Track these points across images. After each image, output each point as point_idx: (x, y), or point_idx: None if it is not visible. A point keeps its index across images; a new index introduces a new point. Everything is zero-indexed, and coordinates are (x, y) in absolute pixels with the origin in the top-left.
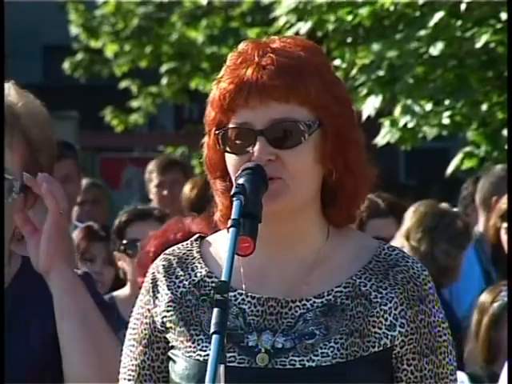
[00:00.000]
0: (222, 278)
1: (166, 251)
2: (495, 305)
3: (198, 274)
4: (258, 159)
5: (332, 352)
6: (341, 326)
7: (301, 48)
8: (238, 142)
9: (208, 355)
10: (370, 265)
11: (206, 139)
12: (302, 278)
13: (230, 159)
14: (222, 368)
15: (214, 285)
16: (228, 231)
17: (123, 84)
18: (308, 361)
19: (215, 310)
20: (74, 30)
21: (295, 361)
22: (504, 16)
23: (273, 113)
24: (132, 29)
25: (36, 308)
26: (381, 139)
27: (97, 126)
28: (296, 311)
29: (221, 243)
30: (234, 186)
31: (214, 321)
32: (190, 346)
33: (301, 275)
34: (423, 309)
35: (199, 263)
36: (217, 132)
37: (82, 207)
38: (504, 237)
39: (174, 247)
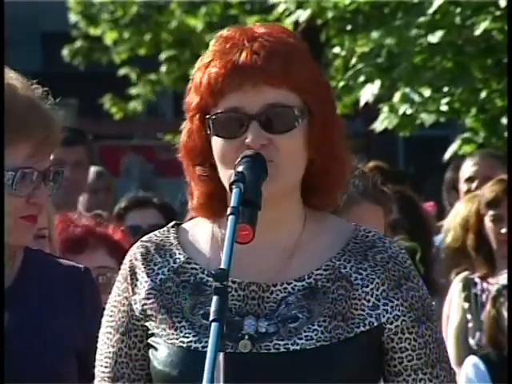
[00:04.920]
0: (222, 266)
1: (143, 238)
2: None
3: (177, 261)
4: (252, 144)
5: (316, 335)
6: (323, 309)
7: (286, 35)
8: (228, 126)
9: (191, 342)
10: (348, 247)
11: (186, 125)
12: (282, 262)
13: (219, 144)
14: (221, 356)
15: (194, 271)
16: (227, 219)
17: (122, 71)
18: (292, 344)
19: (214, 298)
20: (73, 17)
21: (279, 345)
22: (503, 3)
23: (265, 97)
24: (131, 16)
25: (42, 303)
26: (379, 125)
27: (96, 114)
28: (277, 295)
29: (198, 230)
30: (234, 173)
31: (213, 308)
32: (173, 333)
33: (281, 260)
34: (411, 285)
35: (177, 249)
36: (207, 117)
37: (94, 195)
38: (489, 224)
39: (151, 234)
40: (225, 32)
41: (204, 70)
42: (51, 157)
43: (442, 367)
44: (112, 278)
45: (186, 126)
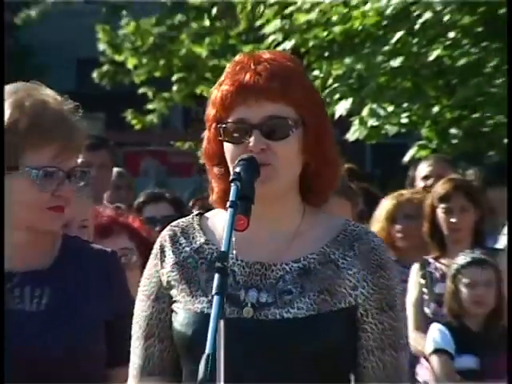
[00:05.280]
0: (222, 249)
1: (172, 223)
2: None
3: (198, 242)
4: (253, 148)
5: (306, 306)
6: (314, 286)
7: (287, 59)
8: (236, 134)
9: (204, 308)
10: (338, 238)
11: (206, 133)
12: (282, 247)
13: (229, 148)
14: (222, 322)
15: (211, 251)
16: (226, 210)
17: (141, 90)
18: (286, 313)
19: (216, 276)
20: (102, 46)
21: (276, 313)
22: (452, 35)
23: (265, 110)
24: (148, 45)
25: (80, 286)
26: (351, 135)
27: (120, 125)
28: (277, 273)
29: (216, 218)
30: (232, 173)
31: (215, 284)
32: (190, 301)
33: (282, 245)
34: (383, 274)
35: (198, 233)
36: (219, 126)
37: (117, 191)
38: (441, 215)
39: (178, 221)
40: (237, 57)
41: (219, 88)
42: (78, 159)
43: (392, 354)
44: (131, 258)
45: (205, 134)
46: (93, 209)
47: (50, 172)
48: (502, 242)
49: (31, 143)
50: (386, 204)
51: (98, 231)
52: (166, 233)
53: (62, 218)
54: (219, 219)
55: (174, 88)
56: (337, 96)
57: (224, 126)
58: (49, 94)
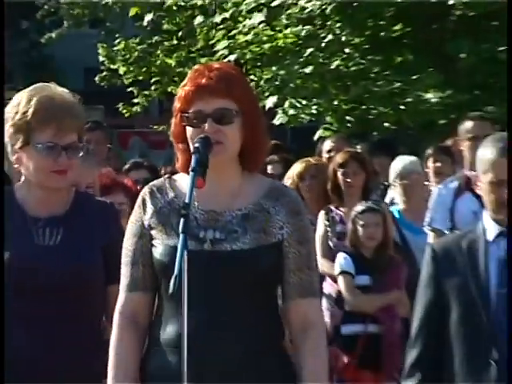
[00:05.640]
0: (186, 201)
1: (150, 183)
2: None
3: (169, 196)
4: (208, 130)
5: (248, 241)
6: (253, 227)
7: (231, 68)
8: (195, 120)
9: (176, 243)
10: (268, 193)
11: (173, 120)
12: (229, 199)
13: (190, 131)
14: (185, 253)
15: (178, 202)
16: (188, 174)
17: (129, 89)
18: (234, 246)
19: (181, 220)
20: (101, 58)
21: (227, 246)
22: (347, 50)
23: (216, 104)
24: (134, 57)
25: (85, 227)
26: (276, 121)
27: (114, 114)
28: (227, 218)
29: (181, 180)
30: (192, 148)
31: (181, 226)
32: (165, 238)
33: (229, 198)
34: (299, 218)
35: (169, 190)
36: (182, 115)
37: (109, 161)
38: (340, 177)
39: (154, 181)
40: (196, 67)
41: (182, 89)
42: (75, 137)
43: (307, 273)
44: (126, 209)
45: (173, 121)
46: (98, 173)
47: (50, 146)
48: (387, 198)
49: (37, 126)
50: (296, 166)
51: (101, 190)
52: (146, 190)
53: (65, 179)
54: (183, 180)
55: (152, 88)
56: (266, 94)
57: (186, 115)
58: (58, 90)
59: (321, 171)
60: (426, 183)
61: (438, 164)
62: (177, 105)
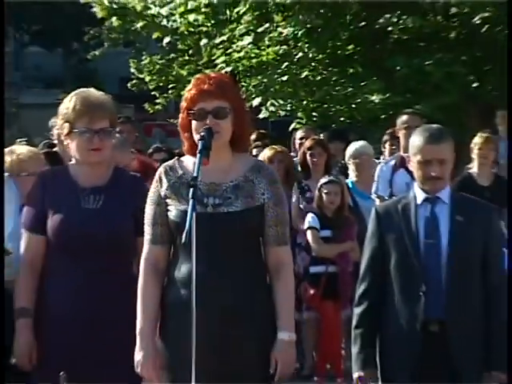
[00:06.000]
0: (194, 175)
1: (164, 164)
2: None
3: (179, 173)
4: (209, 124)
5: (240, 204)
6: (242, 194)
7: (226, 77)
8: (198, 116)
9: (186, 209)
10: (252, 168)
11: (181, 115)
12: (224, 173)
13: (194, 124)
14: (194, 214)
15: (186, 177)
16: (194, 157)
17: (153, 92)
18: (229, 208)
19: (191, 189)
20: (132, 69)
21: (224, 209)
22: (313, 64)
23: (214, 104)
24: (156, 69)
25: (121, 195)
26: (261, 115)
27: (142, 111)
28: (222, 188)
29: (187, 161)
30: (199, 136)
31: (190, 194)
32: (178, 204)
33: (223, 173)
34: (276, 185)
35: (179, 168)
36: (189, 112)
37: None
38: (308, 157)
39: (168, 162)
40: (198, 76)
41: (189, 92)
42: (106, 123)
43: (282, 227)
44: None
45: (180, 116)
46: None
47: (85, 130)
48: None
49: (76, 117)
50: (266, 152)
51: (138, 171)
52: (161, 169)
53: (99, 155)
54: (189, 161)
55: (170, 92)
56: (253, 96)
57: (192, 112)
58: (93, 92)
59: (285, 157)
60: (377, 161)
61: (393, 147)
62: (184, 104)
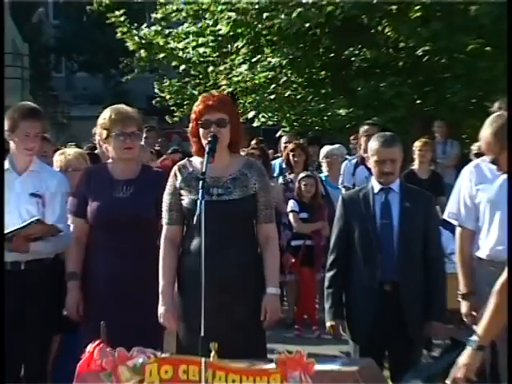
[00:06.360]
0: (203, 171)
1: (178, 163)
2: None
3: (190, 170)
4: (214, 131)
5: (237, 193)
6: (239, 185)
7: (225, 96)
8: (205, 125)
9: (196, 197)
10: (245, 164)
11: (190, 125)
12: (224, 169)
13: (202, 131)
14: (203, 202)
15: (196, 173)
16: (201, 157)
17: (172, 107)
18: (230, 197)
19: (200, 182)
20: (156, 90)
21: (226, 197)
22: (273, 61)
23: (217, 116)
24: (175, 90)
25: (146, 186)
26: (254, 124)
27: (164, 122)
28: (223, 180)
29: (195, 160)
30: (206, 141)
31: (200, 186)
32: (189, 194)
33: (224, 169)
34: (264, 178)
35: (189, 166)
36: (198, 122)
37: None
38: (291, 157)
39: (181, 161)
40: (205, 94)
41: (197, 107)
42: (135, 129)
43: (269, 209)
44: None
45: (190, 125)
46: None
47: (120, 134)
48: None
49: (112, 125)
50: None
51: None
52: (176, 167)
53: (131, 152)
54: (197, 160)
55: (185, 107)
56: (248, 110)
57: (200, 122)
58: (124, 107)
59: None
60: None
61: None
62: (193, 116)
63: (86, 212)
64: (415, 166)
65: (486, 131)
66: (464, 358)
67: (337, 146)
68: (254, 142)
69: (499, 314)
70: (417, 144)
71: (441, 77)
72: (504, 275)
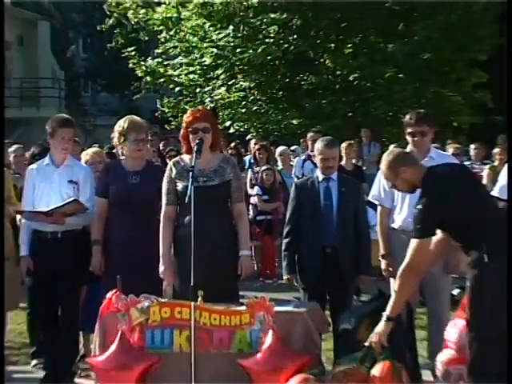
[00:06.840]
0: (192, 165)
1: (173, 159)
2: None
3: (181, 165)
4: (201, 136)
5: (217, 180)
6: (219, 174)
7: (207, 110)
8: (194, 131)
9: (187, 184)
10: (222, 159)
11: (182, 131)
12: (207, 163)
13: (191, 136)
14: (192, 187)
15: (186, 167)
16: (191, 155)
17: (170, 118)
18: (211, 183)
19: (190, 173)
20: (158, 105)
21: (209, 183)
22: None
23: (202, 125)
24: (172, 105)
25: (151, 177)
26: (231, 131)
27: (164, 129)
28: (207, 171)
29: (185, 158)
30: (195, 143)
31: (190, 175)
32: (182, 182)
33: (207, 163)
34: (236, 169)
35: (181, 162)
36: (188, 129)
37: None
38: (257, 155)
39: (175, 158)
40: (193, 109)
41: (187, 118)
42: (144, 135)
43: (240, 192)
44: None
45: (181, 132)
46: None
47: (135, 140)
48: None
49: (127, 131)
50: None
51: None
52: (171, 162)
53: (142, 153)
54: (186, 158)
55: (179, 118)
56: (226, 120)
57: (190, 129)
58: (136, 117)
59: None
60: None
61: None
62: (183, 125)
63: (107, 194)
64: (343, 161)
65: (383, 166)
66: (378, 327)
67: (294, 147)
68: (233, 144)
69: (401, 294)
70: (343, 145)
71: (367, 96)
72: (403, 264)
